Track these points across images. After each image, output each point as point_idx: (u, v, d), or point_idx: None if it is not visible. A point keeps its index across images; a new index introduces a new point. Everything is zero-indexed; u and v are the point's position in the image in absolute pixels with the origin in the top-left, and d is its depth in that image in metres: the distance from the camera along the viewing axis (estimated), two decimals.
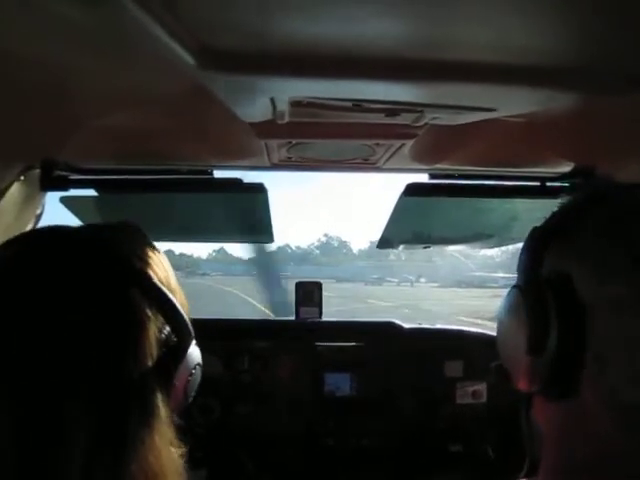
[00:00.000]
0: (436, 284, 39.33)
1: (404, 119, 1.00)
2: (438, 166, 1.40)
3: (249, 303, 19.04)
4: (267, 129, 1.09)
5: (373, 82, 0.76)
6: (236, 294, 25.12)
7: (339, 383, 1.95)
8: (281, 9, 0.56)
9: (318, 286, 2.09)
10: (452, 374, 1.93)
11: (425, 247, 1.99)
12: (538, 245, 0.58)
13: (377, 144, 1.25)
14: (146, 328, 0.59)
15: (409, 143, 1.23)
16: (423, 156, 1.33)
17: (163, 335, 0.62)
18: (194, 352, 0.67)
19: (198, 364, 0.68)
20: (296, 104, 0.89)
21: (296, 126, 1.05)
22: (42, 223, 1.40)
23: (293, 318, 2.09)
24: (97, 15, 0.55)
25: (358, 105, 0.89)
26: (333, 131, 1.16)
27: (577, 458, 0.54)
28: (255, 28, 0.61)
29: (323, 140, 1.23)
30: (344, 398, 1.95)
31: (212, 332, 2.01)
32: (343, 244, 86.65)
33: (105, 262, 0.60)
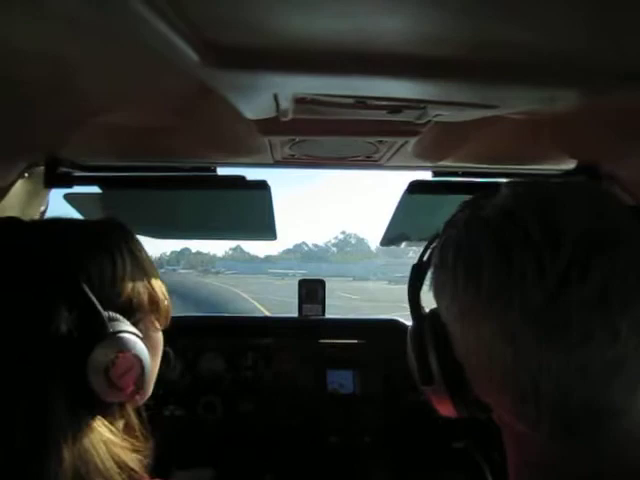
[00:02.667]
0: None
1: (407, 116, 1.00)
2: (441, 164, 1.40)
3: (255, 308, 19.04)
4: (270, 126, 1.09)
5: (376, 79, 0.76)
6: (242, 296, 25.07)
7: (342, 380, 1.95)
8: (284, 5, 0.56)
9: (322, 284, 2.10)
10: None
11: None
12: (413, 281, 0.66)
13: (380, 141, 1.25)
14: (53, 318, 0.61)
15: (412, 140, 1.22)
16: (426, 154, 1.33)
17: (77, 327, 0.63)
18: (120, 340, 0.65)
19: (129, 351, 0.66)
20: (300, 101, 0.89)
21: (299, 123, 1.05)
22: None
23: (296, 315, 2.10)
24: (101, 11, 0.55)
25: (361, 102, 0.89)
26: (336, 128, 1.16)
27: (522, 465, 0.57)
28: (258, 24, 0.61)
29: (326, 137, 1.23)
30: (347, 395, 1.95)
31: (215, 329, 2.03)
32: (360, 241, 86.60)
33: (24, 257, 0.64)
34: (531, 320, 0.47)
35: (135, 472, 0.63)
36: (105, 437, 0.62)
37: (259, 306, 18.41)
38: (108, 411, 0.65)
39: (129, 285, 0.71)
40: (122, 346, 0.65)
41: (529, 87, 0.78)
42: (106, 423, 0.64)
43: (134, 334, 0.68)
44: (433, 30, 0.64)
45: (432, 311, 0.60)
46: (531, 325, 0.47)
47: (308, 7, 0.58)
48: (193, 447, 1.86)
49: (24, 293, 0.62)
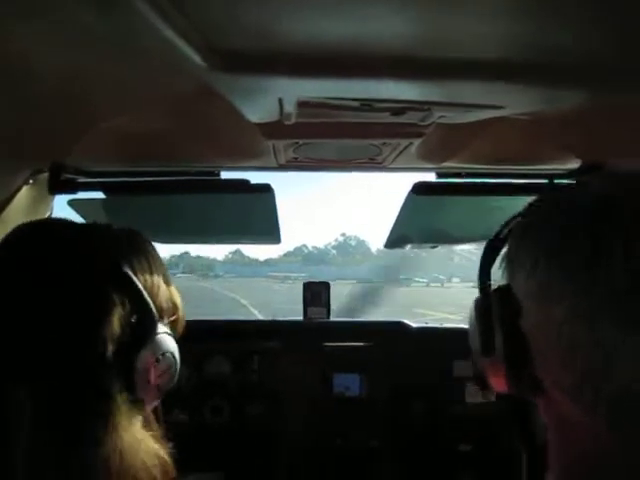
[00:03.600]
0: (471, 284, 38.36)
1: (411, 118, 1.00)
2: (445, 165, 1.39)
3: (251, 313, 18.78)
4: (274, 130, 1.09)
5: (381, 81, 0.76)
6: (237, 300, 24.90)
7: (348, 383, 1.95)
8: (290, 9, 0.56)
9: (326, 286, 2.10)
10: (461, 373, 1.92)
11: (433, 247, 1.99)
12: (486, 256, 0.66)
13: (384, 143, 1.25)
14: (110, 315, 0.62)
15: (416, 142, 1.22)
16: (430, 155, 1.32)
17: (128, 324, 0.65)
18: (163, 340, 0.69)
19: (169, 352, 0.70)
20: (303, 104, 0.89)
21: (303, 126, 1.05)
22: None
23: (301, 318, 2.10)
24: (107, 17, 0.55)
25: (366, 105, 0.89)
26: (340, 131, 1.16)
27: (573, 458, 0.55)
28: (264, 28, 0.61)
29: (330, 140, 1.23)
30: (353, 398, 1.95)
31: (221, 333, 2.03)
32: (361, 243, 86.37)
33: (81, 255, 0.66)
34: (613, 302, 0.47)
35: (167, 464, 0.67)
36: (144, 435, 0.66)
37: (258, 315, 18.22)
38: (136, 411, 0.67)
39: (160, 292, 0.73)
40: (166, 346, 0.69)
41: (535, 87, 0.78)
42: (139, 422, 0.66)
43: (171, 336, 0.71)
44: (437, 31, 0.64)
45: (503, 285, 0.60)
46: (612, 306, 0.47)
47: (313, 11, 0.58)
48: (201, 451, 1.85)
49: (82, 291, 0.63)
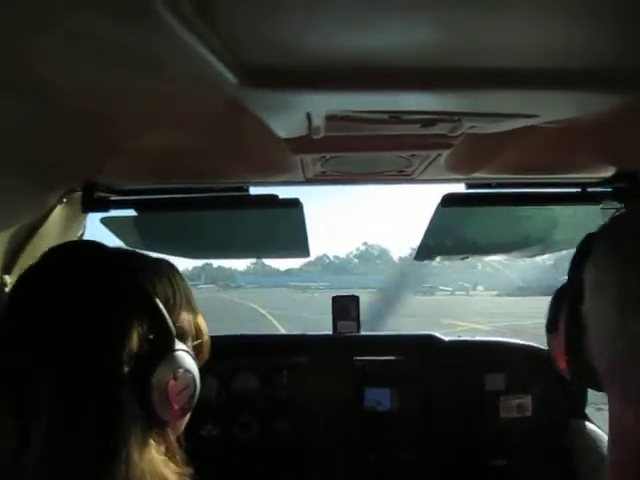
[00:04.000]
0: (495, 292, 37.88)
1: (441, 129, 0.99)
2: (475, 175, 1.38)
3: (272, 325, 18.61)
4: (301, 144, 1.09)
5: (410, 93, 0.75)
6: (256, 310, 24.97)
7: (379, 398, 1.93)
8: (319, 23, 0.56)
9: (355, 300, 2.09)
10: (493, 387, 1.89)
11: (463, 258, 1.97)
12: (577, 249, 0.68)
13: (413, 155, 1.24)
14: (129, 331, 0.64)
15: (445, 153, 1.21)
16: (459, 166, 1.31)
17: (147, 341, 0.66)
18: (181, 357, 0.70)
19: (187, 369, 0.70)
20: (332, 118, 0.88)
21: (331, 140, 1.05)
22: None
23: (330, 332, 2.08)
24: (137, 35, 0.56)
25: (395, 117, 0.88)
26: (368, 144, 1.15)
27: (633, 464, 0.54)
28: (294, 44, 0.61)
29: (358, 153, 1.22)
30: (385, 413, 1.93)
31: (249, 348, 2.03)
32: (383, 252, 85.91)
33: (106, 274, 0.68)
34: None
35: None
36: (156, 458, 0.65)
37: (278, 325, 18.02)
38: (155, 432, 0.67)
39: (182, 315, 0.75)
40: (184, 364, 0.70)
41: (570, 93, 0.76)
42: (155, 444, 0.66)
43: (191, 355, 0.72)
44: (467, 41, 0.64)
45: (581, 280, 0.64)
46: None
47: (341, 25, 0.58)
48: (230, 467, 1.85)
49: (103, 308, 0.65)
